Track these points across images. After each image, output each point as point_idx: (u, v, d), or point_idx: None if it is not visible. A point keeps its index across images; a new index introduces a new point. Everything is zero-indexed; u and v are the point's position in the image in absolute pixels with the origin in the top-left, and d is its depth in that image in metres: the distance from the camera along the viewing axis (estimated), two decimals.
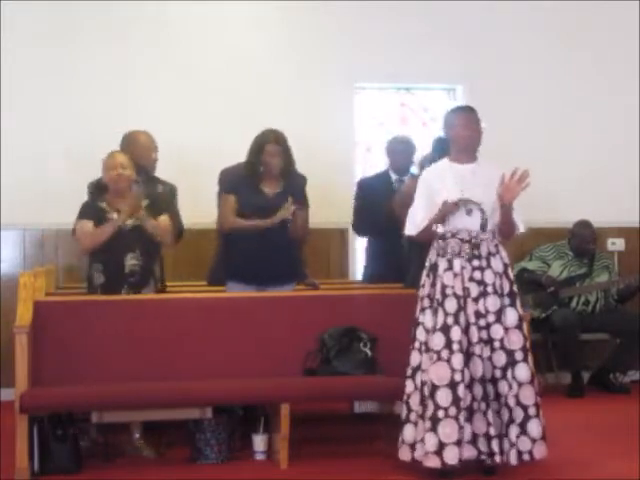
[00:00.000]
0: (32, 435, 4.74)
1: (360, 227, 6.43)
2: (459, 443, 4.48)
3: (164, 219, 5.37)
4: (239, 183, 5.58)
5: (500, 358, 4.58)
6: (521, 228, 4.83)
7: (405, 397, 4.70)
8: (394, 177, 6.35)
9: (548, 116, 7.49)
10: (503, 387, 4.56)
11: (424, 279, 4.76)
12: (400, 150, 6.37)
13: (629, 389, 6.94)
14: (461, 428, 4.49)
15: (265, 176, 5.55)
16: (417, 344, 4.70)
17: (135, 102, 6.93)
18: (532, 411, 4.60)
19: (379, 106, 7.57)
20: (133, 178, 5.34)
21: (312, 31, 7.25)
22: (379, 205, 6.11)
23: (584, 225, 7.23)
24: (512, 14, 7.46)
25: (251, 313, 5.29)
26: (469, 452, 4.54)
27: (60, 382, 4.92)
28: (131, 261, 5.22)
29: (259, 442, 5.03)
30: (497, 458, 4.51)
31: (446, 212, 4.67)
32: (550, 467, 4.77)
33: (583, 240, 7.19)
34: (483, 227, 4.68)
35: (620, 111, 7.56)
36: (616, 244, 7.60)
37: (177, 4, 7.06)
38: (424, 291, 4.74)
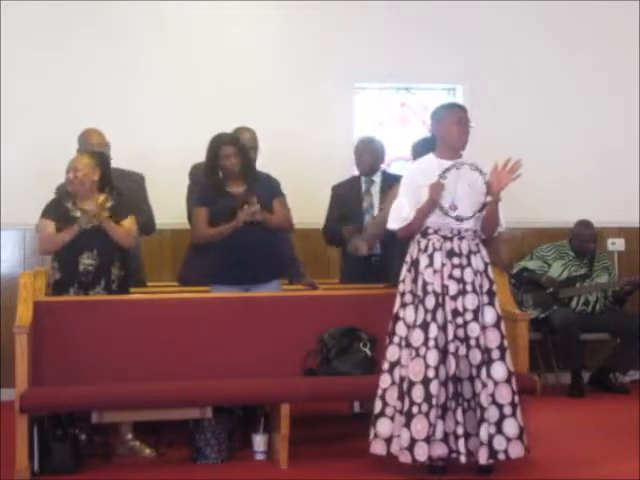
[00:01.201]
0: (32, 435, 4.74)
1: (325, 234, 6.38)
2: (428, 440, 4.49)
3: (128, 222, 5.30)
4: (208, 191, 5.56)
5: (476, 356, 4.59)
6: (503, 226, 4.84)
7: (380, 391, 4.71)
8: (363, 178, 6.32)
9: (548, 116, 7.49)
10: (477, 386, 4.57)
11: (404, 274, 4.77)
12: (365, 150, 6.33)
13: (629, 389, 6.94)
14: (431, 425, 4.50)
15: (227, 179, 5.53)
16: (396, 339, 4.71)
17: (135, 102, 6.93)
18: (508, 410, 4.59)
19: (379, 106, 7.57)
20: (93, 179, 5.26)
21: (312, 31, 7.26)
22: (347, 207, 6.11)
23: (584, 225, 7.23)
24: (512, 14, 7.46)
25: (251, 313, 5.29)
26: (441, 450, 4.55)
27: (60, 382, 4.92)
28: (86, 260, 5.18)
29: (259, 442, 5.03)
30: (462, 458, 4.51)
31: (434, 193, 4.64)
32: (550, 467, 4.78)
33: (583, 240, 7.20)
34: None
35: (620, 111, 7.57)
36: (616, 244, 7.60)
37: (177, 4, 7.06)
38: (405, 287, 4.74)
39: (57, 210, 5.29)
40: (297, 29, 7.26)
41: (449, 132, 4.77)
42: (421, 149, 5.64)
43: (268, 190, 5.59)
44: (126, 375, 5.00)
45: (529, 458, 4.71)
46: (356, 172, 6.40)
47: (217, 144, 5.53)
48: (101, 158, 5.39)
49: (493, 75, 7.42)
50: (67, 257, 5.21)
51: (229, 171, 5.51)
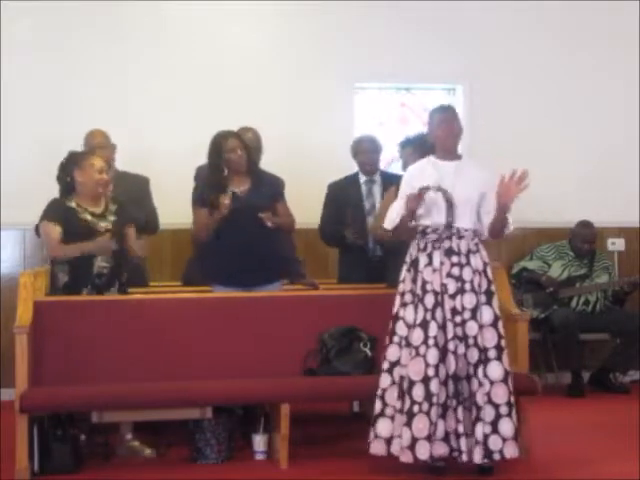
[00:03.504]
0: (32, 435, 4.74)
1: (322, 234, 6.35)
2: (429, 438, 4.50)
3: (132, 232, 5.29)
4: (208, 191, 5.49)
5: (473, 355, 4.59)
6: (511, 228, 4.84)
7: (380, 391, 4.71)
8: (363, 179, 6.31)
9: (548, 116, 7.49)
10: (474, 384, 4.57)
11: (404, 274, 4.77)
12: (365, 150, 6.32)
13: (629, 389, 6.94)
14: (432, 424, 4.50)
15: (231, 175, 5.47)
16: (396, 339, 4.72)
17: (134, 102, 6.93)
18: (504, 410, 4.59)
19: (379, 106, 7.57)
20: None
21: (312, 31, 7.26)
22: (347, 207, 6.09)
23: (583, 225, 7.24)
24: (512, 14, 7.46)
25: (251, 313, 5.29)
26: (442, 449, 4.55)
27: (60, 382, 4.92)
28: (101, 263, 5.14)
29: (259, 442, 5.03)
30: (464, 456, 4.52)
31: (411, 205, 4.65)
32: (550, 466, 4.79)
33: (580, 240, 7.20)
34: (449, 222, 4.65)
35: (620, 111, 7.57)
36: (616, 244, 7.60)
37: (177, 4, 7.06)
38: (405, 286, 4.75)
39: (60, 211, 5.19)
40: (297, 29, 7.26)
41: (436, 134, 4.83)
42: (405, 144, 5.70)
43: (272, 191, 5.55)
44: (126, 375, 5.00)
45: (529, 458, 4.71)
46: (349, 171, 6.37)
47: (221, 138, 5.46)
48: None
49: (493, 75, 7.42)
50: (80, 259, 5.12)
51: (235, 164, 5.44)
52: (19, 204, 6.72)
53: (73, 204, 5.21)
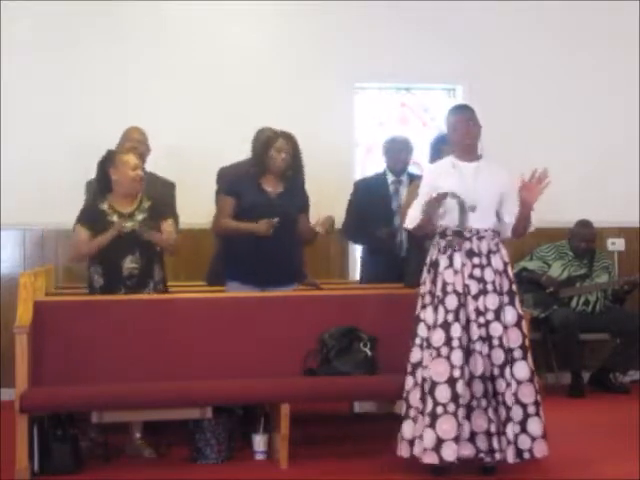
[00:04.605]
0: (32, 435, 4.74)
1: (349, 232, 6.41)
2: (457, 440, 4.49)
3: (169, 224, 5.30)
4: (240, 183, 5.54)
5: (499, 356, 4.59)
6: (533, 226, 4.88)
7: (405, 393, 4.71)
8: (391, 178, 6.35)
9: (548, 116, 7.49)
10: (500, 385, 4.57)
11: (425, 276, 4.77)
12: (397, 150, 6.37)
13: (629, 389, 6.94)
14: (459, 425, 4.50)
15: (268, 173, 5.48)
16: (418, 340, 4.71)
17: (135, 102, 6.92)
18: (532, 409, 4.61)
19: (379, 106, 7.57)
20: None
21: (312, 31, 7.26)
22: (375, 206, 6.11)
23: (582, 225, 7.24)
24: (512, 14, 7.46)
25: (251, 313, 5.29)
26: (467, 451, 4.55)
27: (60, 382, 4.92)
28: (130, 264, 5.16)
29: (259, 442, 5.03)
30: (497, 455, 4.53)
31: (429, 210, 4.65)
32: (550, 467, 4.78)
33: (578, 239, 7.21)
34: (462, 223, 4.66)
35: (620, 111, 7.57)
36: (616, 244, 7.60)
37: (177, 4, 7.06)
38: (425, 288, 4.75)
39: (93, 215, 5.23)
40: (297, 29, 7.26)
41: (452, 136, 4.83)
42: (434, 144, 5.70)
43: (302, 202, 5.60)
44: (126, 375, 5.00)
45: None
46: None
47: (273, 135, 5.49)
48: None
49: (493, 75, 7.42)
50: (110, 262, 5.16)
51: (275, 165, 5.44)
52: (19, 204, 6.73)
53: (105, 206, 5.22)
